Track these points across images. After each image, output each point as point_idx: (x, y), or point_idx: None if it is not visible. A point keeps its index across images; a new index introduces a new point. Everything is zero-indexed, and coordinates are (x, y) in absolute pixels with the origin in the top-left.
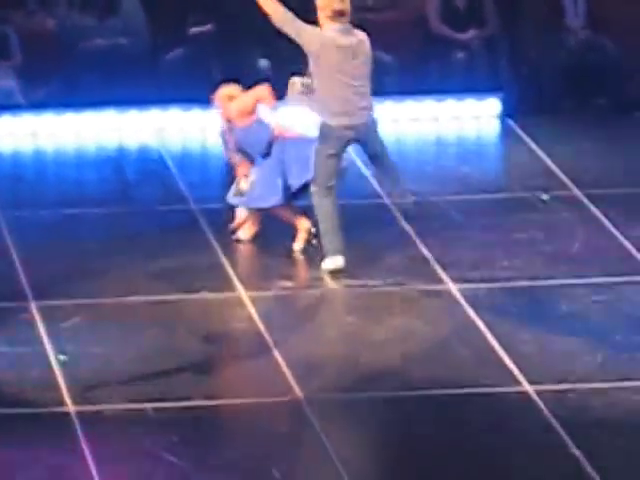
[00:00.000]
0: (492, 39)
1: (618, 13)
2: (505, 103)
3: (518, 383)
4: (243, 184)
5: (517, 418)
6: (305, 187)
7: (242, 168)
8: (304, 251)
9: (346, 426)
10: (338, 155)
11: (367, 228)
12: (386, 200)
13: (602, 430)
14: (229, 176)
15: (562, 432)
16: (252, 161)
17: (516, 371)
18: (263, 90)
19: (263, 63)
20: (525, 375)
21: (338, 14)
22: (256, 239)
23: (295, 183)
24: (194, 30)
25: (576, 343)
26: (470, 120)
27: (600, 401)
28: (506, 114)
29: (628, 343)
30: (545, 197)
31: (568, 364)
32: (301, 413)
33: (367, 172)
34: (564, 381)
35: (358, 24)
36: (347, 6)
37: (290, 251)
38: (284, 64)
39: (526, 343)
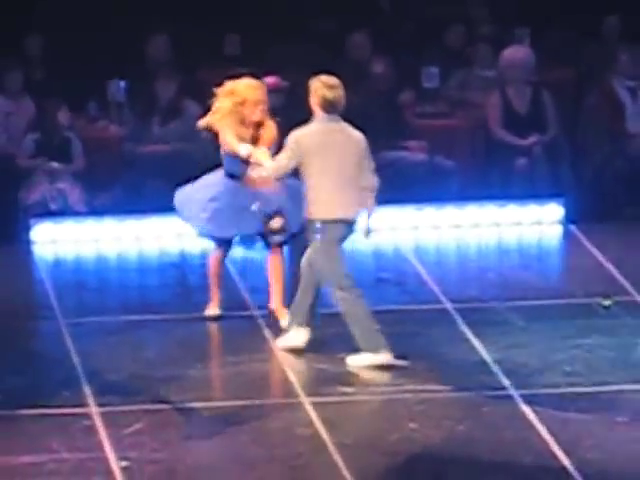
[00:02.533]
0: (554, 144)
1: None
2: (567, 209)
3: None
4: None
5: None
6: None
7: None
8: None
9: None
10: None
11: (427, 333)
12: (447, 305)
13: None
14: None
15: None
16: None
17: (578, 477)
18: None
19: None
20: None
21: (328, 104)
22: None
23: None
24: None
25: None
26: (532, 226)
27: None
28: (568, 220)
29: None
30: (607, 303)
31: (633, 470)
32: None
33: (428, 277)
34: None
35: (418, 129)
36: (339, 97)
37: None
38: None
39: (589, 450)
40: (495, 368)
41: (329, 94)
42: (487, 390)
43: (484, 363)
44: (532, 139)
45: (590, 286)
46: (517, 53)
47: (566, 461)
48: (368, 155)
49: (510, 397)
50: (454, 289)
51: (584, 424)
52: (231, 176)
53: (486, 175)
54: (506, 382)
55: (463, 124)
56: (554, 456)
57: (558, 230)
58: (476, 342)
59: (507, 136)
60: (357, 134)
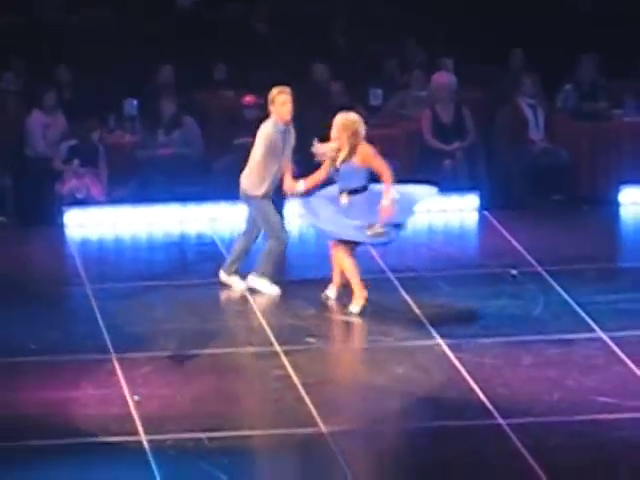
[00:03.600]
0: (472, 149)
1: (568, 127)
2: (482, 199)
3: (493, 417)
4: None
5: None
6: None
7: None
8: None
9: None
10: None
11: (373, 296)
12: (389, 274)
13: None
14: None
15: (526, 454)
16: None
17: (491, 407)
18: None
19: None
20: (498, 410)
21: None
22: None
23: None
24: (238, 141)
25: (538, 386)
26: (455, 212)
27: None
28: (483, 208)
29: (579, 386)
30: (514, 272)
31: (532, 403)
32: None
33: (374, 252)
34: (529, 414)
35: (367, 138)
36: None
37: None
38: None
39: (500, 387)
40: (427, 323)
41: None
42: (421, 340)
43: (418, 320)
44: (455, 145)
45: (501, 259)
46: (444, 78)
47: (482, 396)
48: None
49: (438, 345)
50: (395, 261)
51: (496, 367)
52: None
53: (420, 173)
54: (435, 333)
55: (402, 134)
56: (473, 392)
57: (475, 216)
58: (412, 304)
59: (436, 143)
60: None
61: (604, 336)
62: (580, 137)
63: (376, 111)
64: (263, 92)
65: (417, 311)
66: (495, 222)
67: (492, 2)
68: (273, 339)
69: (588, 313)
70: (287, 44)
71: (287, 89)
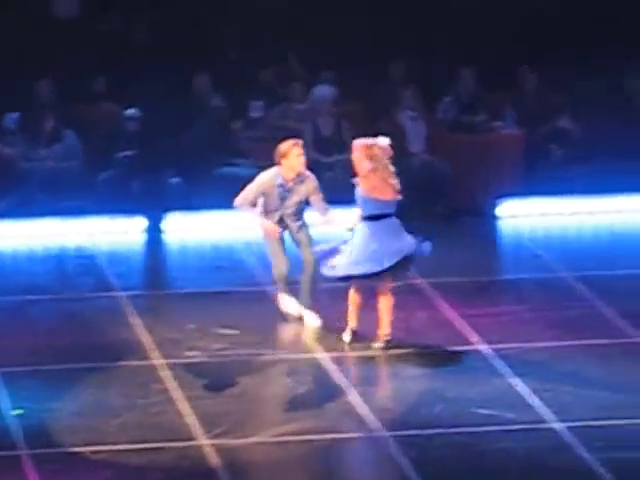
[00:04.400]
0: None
1: (447, 140)
2: None
3: (375, 429)
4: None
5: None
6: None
7: None
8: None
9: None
10: None
11: (252, 308)
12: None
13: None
14: (149, 269)
15: (408, 465)
16: None
17: (373, 419)
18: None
19: (175, 180)
20: (381, 422)
21: None
22: None
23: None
24: (121, 155)
25: (420, 398)
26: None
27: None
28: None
29: (460, 398)
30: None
31: (414, 414)
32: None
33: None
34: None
35: (246, 150)
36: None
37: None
38: (193, 180)
39: (383, 398)
40: (304, 338)
41: None
42: (303, 353)
43: (298, 333)
44: (335, 157)
45: None
46: (324, 91)
47: (364, 408)
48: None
49: (320, 358)
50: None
51: (377, 379)
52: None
53: None
54: (319, 347)
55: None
56: (354, 404)
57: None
58: (292, 317)
59: (316, 155)
60: None
61: (485, 348)
62: (459, 149)
63: (256, 123)
64: (143, 104)
65: (298, 324)
66: None
67: (373, 15)
68: (154, 352)
69: (469, 325)
70: (167, 56)
71: (299, 141)
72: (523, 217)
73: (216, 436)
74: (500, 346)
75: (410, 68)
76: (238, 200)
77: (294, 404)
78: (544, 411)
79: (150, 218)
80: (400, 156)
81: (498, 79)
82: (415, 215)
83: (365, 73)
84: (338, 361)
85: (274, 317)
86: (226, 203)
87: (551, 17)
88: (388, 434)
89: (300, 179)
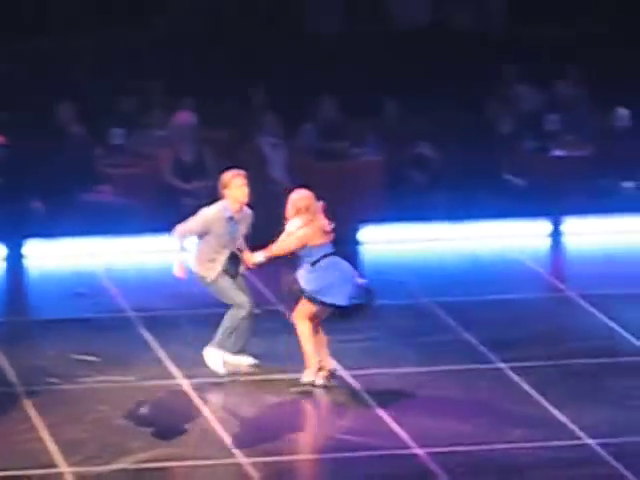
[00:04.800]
0: (213, 188)
1: (309, 166)
2: None
3: (233, 456)
4: None
5: None
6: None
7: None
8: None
9: None
10: None
11: (116, 337)
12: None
13: None
14: (9, 296)
15: None
16: None
17: (231, 445)
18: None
19: (36, 207)
20: (241, 449)
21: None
22: None
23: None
24: None
25: (281, 425)
26: None
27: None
28: None
29: (323, 424)
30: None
31: (274, 440)
32: None
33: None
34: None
35: (107, 176)
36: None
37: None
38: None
39: (243, 425)
40: (170, 363)
41: None
42: (163, 380)
43: (159, 360)
44: (195, 184)
45: None
46: (184, 117)
47: (224, 434)
48: None
49: (180, 385)
50: (137, 300)
51: (238, 405)
52: None
53: (159, 211)
54: (178, 373)
55: (142, 172)
56: (214, 430)
57: None
58: (155, 343)
59: (176, 182)
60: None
61: (346, 375)
62: (321, 176)
63: (117, 150)
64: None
65: (160, 351)
66: None
67: (232, 39)
68: (14, 379)
69: (330, 351)
70: (30, 84)
71: (242, 172)
72: (385, 243)
73: (76, 463)
74: (361, 372)
75: (270, 94)
76: (180, 230)
77: (155, 430)
78: (406, 437)
79: (10, 245)
80: (261, 182)
81: (359, 106)
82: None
83: (226, 100)
84: (198, 387)
85: (135, 344)
86: (87, 229)
87: (414, 46)
88: (247, 460)
89: (244, 211)
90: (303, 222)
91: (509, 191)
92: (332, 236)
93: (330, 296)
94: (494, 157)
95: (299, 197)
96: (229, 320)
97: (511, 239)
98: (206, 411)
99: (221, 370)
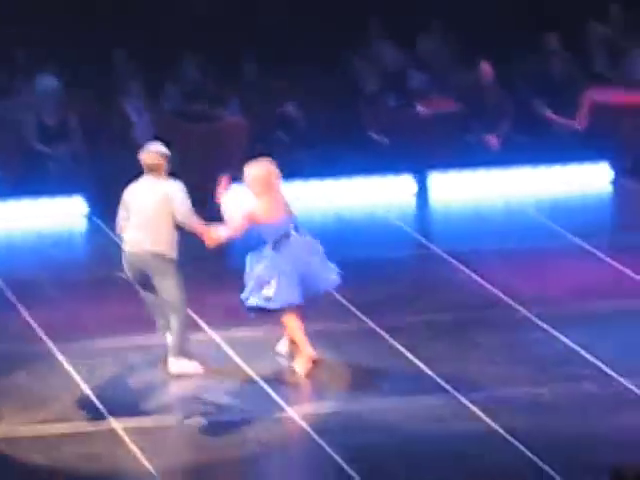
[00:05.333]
0: (78, 152)
1: (174, 128)
2: (90, 204)
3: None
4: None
5: None
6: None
7: None
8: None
9: None
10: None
11: None
12: None
13: None
14: None
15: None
16: None
17: (102, 408)
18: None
19: None
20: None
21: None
22: None
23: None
24: None
25: (150, 386)
26: (62, 216)
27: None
28: (90, 212)
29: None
30: (122, 275)
31: (143, 402)
32: None
33: None
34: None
35: None
36: (153, 162)
37: None
38: None
39: (112, 388)
40: (41, 332)
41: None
42: (34, 348)
43: (31, 328)
44: (60, 148)
45: (109, 262)
46: (47, 81)
47: (95, 399)
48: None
49: (52, 352)
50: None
51: (107, 370)
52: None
53: (25, 177)
54: (51, 344)
55: (6, 138)
56: (87, 395)
57: (83, 220)
58: (24, 311)
59: (40, 146)
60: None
61: (216, 335)
62: (185, 138)
63: None
64: None
65: (29, 319)
66: (103, 226)
67: (94, 2)
68: None
69: (196, 312)
70: None
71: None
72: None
73: None
74: (232, 333)
75: (133, 56)
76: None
77: (27, 395)
78: (278, 399)
79: None
80: (127, 146)
81: (221, 67)
82: None
83: (89, 64)
84: (66, 352)
85: (3, 310)
86: None
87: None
88: (120, 425)
89: None
90: (255, 195)
91: (374, 149)
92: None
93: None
94: (358, 115)
95: (260, 171)
96: (179, 326)
97: (376, 196)
98: (77, 377)
99: (195, 368)
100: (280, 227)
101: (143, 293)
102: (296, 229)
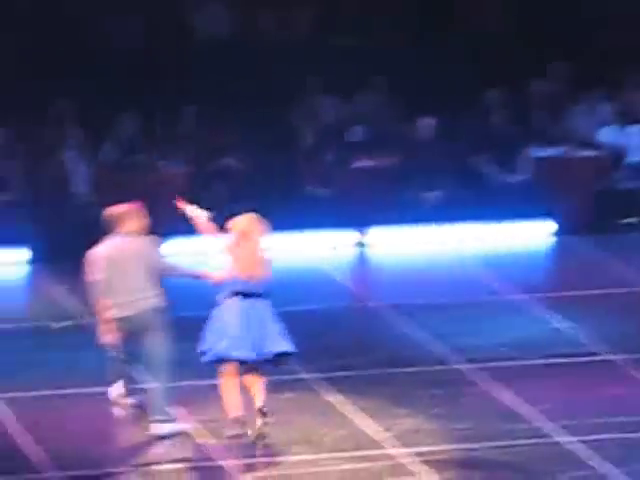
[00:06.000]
0: (18, 202)
1: (110, 179)
2: (34, 252)
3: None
4: None
5: None
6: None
7: None
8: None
9: None
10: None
11: None
12: None
13: None
14: None
15: None
16: None
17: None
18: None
19: None
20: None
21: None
22: None
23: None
24: None
25: (87, 439)
26: (6, 265)
27: None
28: (34, 260)
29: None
30: (56, 325)
31: (82, 454)
32: None
33: None
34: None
35: None
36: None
37: None
38: None
39: (51, 440)
40: None
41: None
42: None
43: None
44: (3, 197)
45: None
46: None
47: (30, 450)
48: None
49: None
50: None
51: (46, 420)
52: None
53: None
54: None
55: None
56: (22, 446)
57: (27, 269)
58: None
59: None
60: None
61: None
62: (123, 189)
63: None
64: None
65: None
66: (46, 275)
67: (36, 53)
68: None
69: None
70: None
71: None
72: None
73: None
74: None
75: (73, 109)
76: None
77: None
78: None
79: None
80: (65, 197)
81: (161, 119)
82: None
83: (31, 114)
84: (10, 402)
85: None
86: None
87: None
88: (62, 474)
89: None
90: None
91: (312, 202)
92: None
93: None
94: (297, 169)
95: (241, 222)
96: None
97: (315, 250)
98: (16, 425)
99: (185, 426)
100: (241, 283)
101: (120, 355)
102: (257, 295)
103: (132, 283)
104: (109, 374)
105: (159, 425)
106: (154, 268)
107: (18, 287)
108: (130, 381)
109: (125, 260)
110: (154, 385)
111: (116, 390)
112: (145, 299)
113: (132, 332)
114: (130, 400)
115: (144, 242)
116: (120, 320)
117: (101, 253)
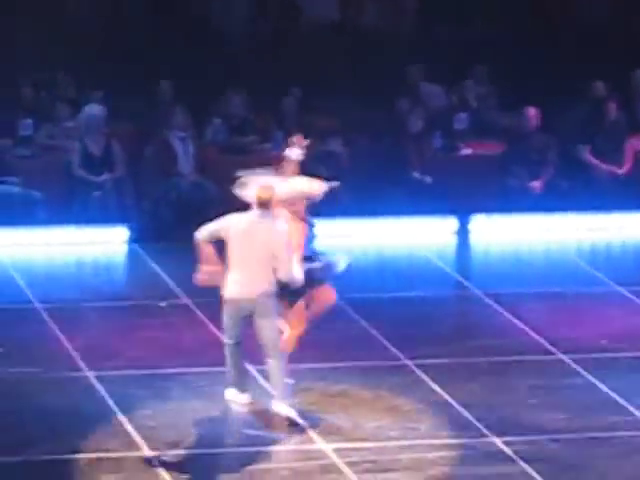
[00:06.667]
0: (121, 181)
1: (217, 160)
2: (131, 231)
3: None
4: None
5: None
6: None
7: None
8: None
9: None
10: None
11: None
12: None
13: None
14: None
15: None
16: None
17: (138, 439)
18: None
19: None
20: (146, 442)
21: (259, 203)
22: None
23: None
24: None
25: (185, 418)
26: (103, 244)
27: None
28: (132, 240)
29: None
30: (163, 304)
31: (179, 434)
32: None
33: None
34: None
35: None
36: (268, 197)
37: None
38: None
39: (147, 418)
40: (76, 355)
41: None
42: (69, 371)
43: (67, 352)
44: (104, 177)
45: (148, 291)
46: (93, 110)
47: (129, 427)
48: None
49: (87, 377)
50: (43, 292)
51: (143, 398)
52: None
53: (69, 204)
54: (83, 366)
55: (51, 164)
56: (121, 423)
57: (124, 248)
58: (61, 335)
59: (84, 174)
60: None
61: (254, 368)
62: (229, 171)
63: (26, 142)
64: None
65: (66, 343)
66: (144, 254)
67: (140, 35)
68: None
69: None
70: None
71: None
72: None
73: None
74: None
75: (179, 88)
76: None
77: (60, 422)
78: (312, 432)
79: None
80: (169, 176)
81: (265, 101)
82: (183, 235)
83: (135, 93)
84: (103, 379)
85: (40, 335)
86: None
87: (322, 44)
88: (154, 454)
89: None
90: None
91: (417, 188)
92: None
93: None
94: (403, 155)
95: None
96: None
97: (418, 236)
98: (111, 403)
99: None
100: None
101: (236, 346)
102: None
103: (255, 265)
104: (227, 372)
105: (281, 404)
106: (274, 256)
107: (117, 266)
108: (244, 375)
109: (256, 240)
110: (273, 366)
111: (231, 394)
112: (262, 283)
113: (244, 315)
114: (246, 398)
115: (279, 226)
116: (235, 301)
117: (240, 225)
